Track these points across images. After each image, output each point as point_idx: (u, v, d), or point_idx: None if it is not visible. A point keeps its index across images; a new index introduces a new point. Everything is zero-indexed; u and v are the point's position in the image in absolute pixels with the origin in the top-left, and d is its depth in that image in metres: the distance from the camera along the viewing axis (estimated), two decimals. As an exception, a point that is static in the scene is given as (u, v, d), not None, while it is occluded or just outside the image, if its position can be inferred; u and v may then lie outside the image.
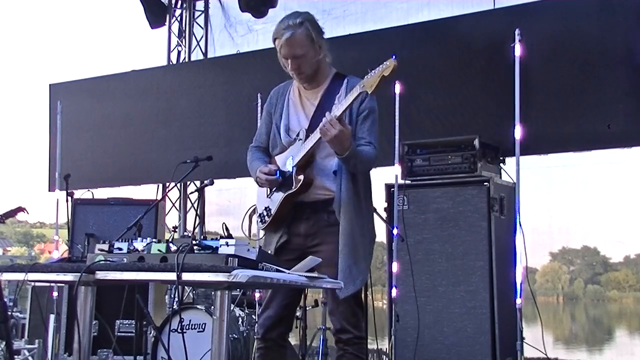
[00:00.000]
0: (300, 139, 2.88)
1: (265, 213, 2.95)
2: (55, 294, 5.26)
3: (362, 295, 3.09)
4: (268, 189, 2.97)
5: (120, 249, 2.30)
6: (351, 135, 2.72)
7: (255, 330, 3.01)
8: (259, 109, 5.40)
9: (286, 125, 2.98)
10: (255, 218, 3.06)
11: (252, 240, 3.22)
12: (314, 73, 2.93)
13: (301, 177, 2.81)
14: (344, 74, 2.98)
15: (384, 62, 2.59)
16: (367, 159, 2.84)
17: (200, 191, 5.75)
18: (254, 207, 3.04)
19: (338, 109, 2.71)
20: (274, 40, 2.89)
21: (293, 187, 2.83)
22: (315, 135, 2.76)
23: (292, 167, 2.85)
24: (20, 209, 4.31)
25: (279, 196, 2.88)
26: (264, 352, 2.92)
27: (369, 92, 2.62)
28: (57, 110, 6.00)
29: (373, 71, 2.62)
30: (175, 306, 4.80)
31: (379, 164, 5.71)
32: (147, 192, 7.49)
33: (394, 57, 2.57)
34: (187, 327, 4.59)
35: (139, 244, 2.28)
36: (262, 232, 3.13)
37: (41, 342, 5.68)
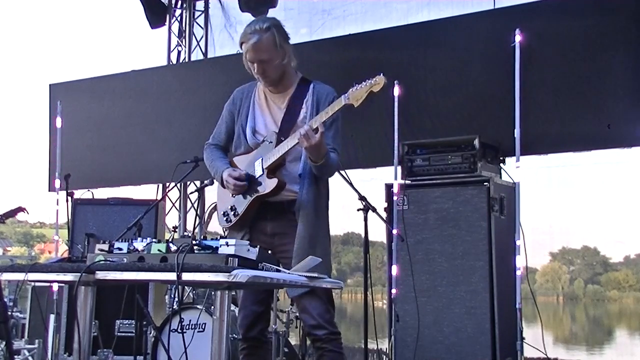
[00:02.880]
0: (271, 142, 2.93)
1: (230, 212, 2.99)
2: (55, 293, 5.26)
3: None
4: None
5: (120, 249, 2.29)
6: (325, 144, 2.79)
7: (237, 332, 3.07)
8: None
9: (252, 127, 3.04)
10: (215, 216, 3.09)
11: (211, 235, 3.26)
12: (279, 77, 3.00)
13: (275, 180, 2.87)
14: (310, 80, 3.06)
15: (373, 78, 2.66)
16: (335, 165, 2.96)
17: (200, 191, 5.73)
18: (214, 204, 3.08)
19: (321, 117, 2.77)
20: (241, 44, 2.95)
21: (266, 190, 2.88)
22: (291, 141, 2.83)
23: (263, 169, 2.90)
24: (20, 209, 4.31)
25: (246, 197, 2.93)
26: (248, 351, 2.99)
27: (355, 106, 2.69)
28: (57, 110, 6.00)
29: (360, 85, 2.68)
30: (175, 306, 4.79)
31: (378, 164, 5.75)
32: (147, 192, 7.50)
33: (381, 74, 2.63)
34: (187, 327, 4.59)
35: (139, 244, 2.28)
36: (223, 230, 3.18)
37: (41, 342, 5.68)
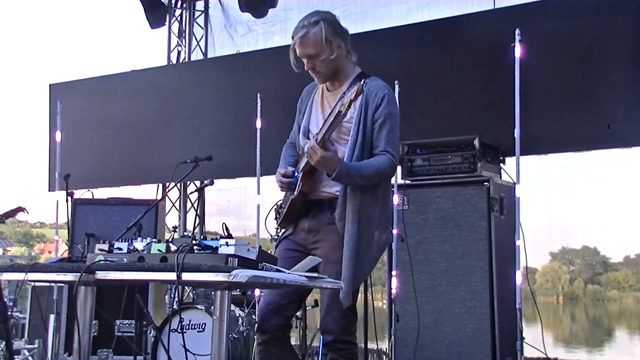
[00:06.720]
0: None
1: (280, 209, 2.99)
2: (55, 293, 5.26)
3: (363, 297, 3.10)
4: None
5: (120, 249, 2.30)
6: (336, 157, 2.67)
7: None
8: (259, 108, 5.40)
9: (305, 127, 2.96)
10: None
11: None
12: (332, 73, 2.88)
13: (300, 186, 2.83)
14: (367, 75, 2.91)
15: (355, 85, 2.58)
16: (374, 172, 2.75)
17: (200, 191, 5.75)
18: (280, 201, 3.07)
19: (320, 132, 2.69)
20: (292, 39, 2.89)
21: (294, 193, 2.85)
22: None
23: (299, 172, 2.86)
24: (20, 209, 4.31)
25: (289, 197, 2.92)
26: (263, 347, 2.83)
27: (342, 113, 2.60)
28: (57, 110, 6.00)
29: (349, 92, 2.59)
30: (175, 306, 4.80)
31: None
32: (147, 192, 7.50)
33: (362, 81, 2.59)
34: (187, 327, 4.59)
35: (139, 244, 2.28)
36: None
37: (41, 342, 5.68)
